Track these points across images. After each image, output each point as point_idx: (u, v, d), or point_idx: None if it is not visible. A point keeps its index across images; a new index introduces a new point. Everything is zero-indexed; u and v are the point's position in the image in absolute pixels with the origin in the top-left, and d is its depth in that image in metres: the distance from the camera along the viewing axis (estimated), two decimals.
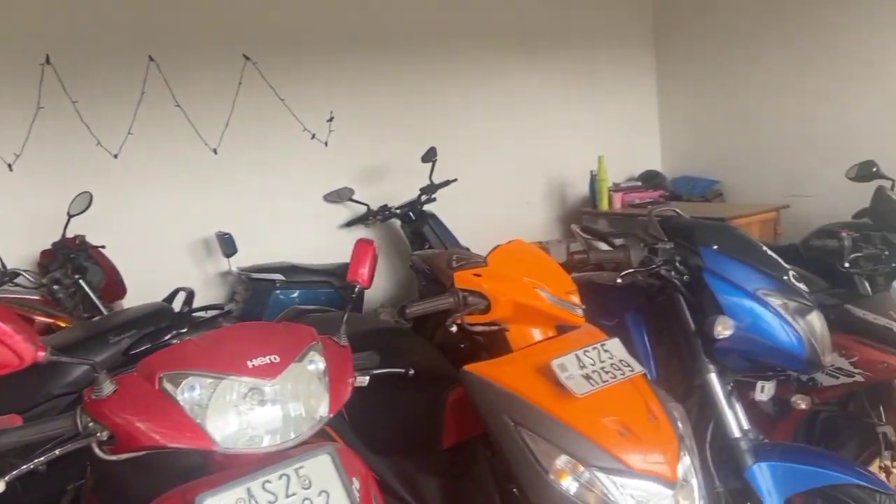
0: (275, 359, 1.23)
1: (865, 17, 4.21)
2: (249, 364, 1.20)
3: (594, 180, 4.94)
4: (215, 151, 3.88)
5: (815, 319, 1.85)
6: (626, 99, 5.41)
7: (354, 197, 4.17)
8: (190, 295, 2.65)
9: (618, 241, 2.36)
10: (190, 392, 1.17)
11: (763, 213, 4.34)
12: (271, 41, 3.98)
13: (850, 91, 4.33)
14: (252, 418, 1.21)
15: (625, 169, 5.35)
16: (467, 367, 1.64)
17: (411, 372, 1.60)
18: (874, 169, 2.88)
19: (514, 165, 4.92)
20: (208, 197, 3.88)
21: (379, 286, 4.34)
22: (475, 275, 1.70)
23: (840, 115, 4.40)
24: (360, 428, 1.92)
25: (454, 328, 1.62)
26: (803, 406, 2.12)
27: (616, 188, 4.99)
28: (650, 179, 5.21)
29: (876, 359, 2.06)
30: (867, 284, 2.16)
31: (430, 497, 1.84)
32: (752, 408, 2.23)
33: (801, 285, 1.90)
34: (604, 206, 4.88)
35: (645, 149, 5.54)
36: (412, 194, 4.16)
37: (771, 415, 2.29)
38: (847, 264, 2.11)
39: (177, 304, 2.61)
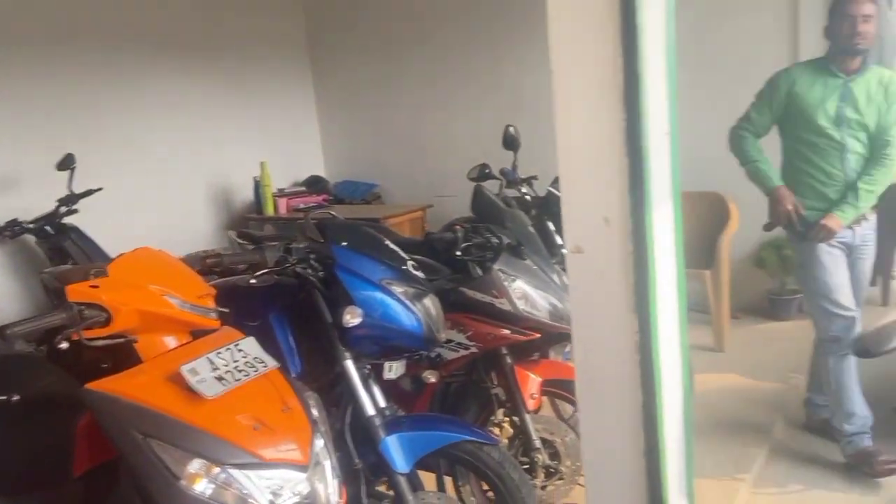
0: None
1: (484, 39, 4.90)
2: None
3: (258, 186, 4.96)
4: None
5: (430, 302, 2.11)
6: (286, 107, 5.53)
7: None
8: None
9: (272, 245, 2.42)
10: None
11: (412, 212, 4.81)
12: None
13: (478, 102, 5.00)
14: None
15: (290, 174, 5.47)
16: (89, 386, 1.55)
17: (15, 398, 1.46)
18: (487, 171, 3.38)
19: (174, 173, 4.72)
20: None
21: (12, 311, 3.82)
22: (92, 286, 1.61)
23: (470, 125, 5.05)
24: None
25: (65, 345, 1.52)
26: (433, 379, 2.41)
27: (281, 193, 5.08)
28: (314, 184, 5.38)
29: (485, 331, 2.42)
30: (478, 269, 2.52)
31: None
32: (395, 387, 2.47)
33: (419, 273, 2.16)
34: (269, 211, 4.93)
35: (308, 155, 5.72)
36: (49, 206, 3.74)
37: (410, 391, 2.56)
38: (459, 252, 2.44)
39: None
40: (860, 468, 2.74)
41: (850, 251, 2.83)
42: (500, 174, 3.27)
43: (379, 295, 2.06)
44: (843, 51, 2.72)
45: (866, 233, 2.85)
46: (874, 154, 2.74)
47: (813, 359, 3.09)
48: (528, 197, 3.16)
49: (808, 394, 3.14)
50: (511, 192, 3.24)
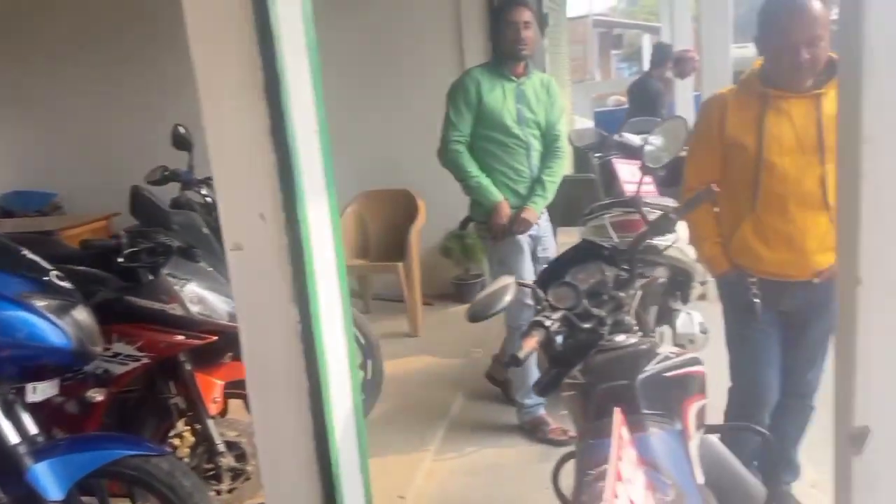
0: None
1: (160, 38, 4.64)
2: None
3: None
4: None
5: (80, 314, 1.95)
6: None
7: None
8: None
9: None
10: None
11: (96, 221, 4.44)
12: None
13: (160, 103, 4.74)
14: None
15: None
16: None
17: None
18: (166, 173, 3.23)
19: None
20: None
21: None
22: None
23: (155, 126, 4.72)
24: None
25: None
26: (99, 398, 2.24)
27: None
28: None
29: (156, 339, 2.30)
30: (150, 276, 2.39)
31: None
32: (59, 411, 2.26)
33: (66, 283, 1.99)
34: None
35: None
36: None
37: (76, 413, 2.35)
38: (122, 259, 2.30)
39: None
40: (534, 434, 3.08)
41: (536, 242, 3.13)
42: (175, 176, 3.14)
43: (16, 312, 1.85)
44: (510, 56, 2.99)
45: (545, 224, 3.21)
46: (548, 148, 3.10)
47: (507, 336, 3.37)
48: (208, 199, 3.07)
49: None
50: (194, 196, 3.12)
